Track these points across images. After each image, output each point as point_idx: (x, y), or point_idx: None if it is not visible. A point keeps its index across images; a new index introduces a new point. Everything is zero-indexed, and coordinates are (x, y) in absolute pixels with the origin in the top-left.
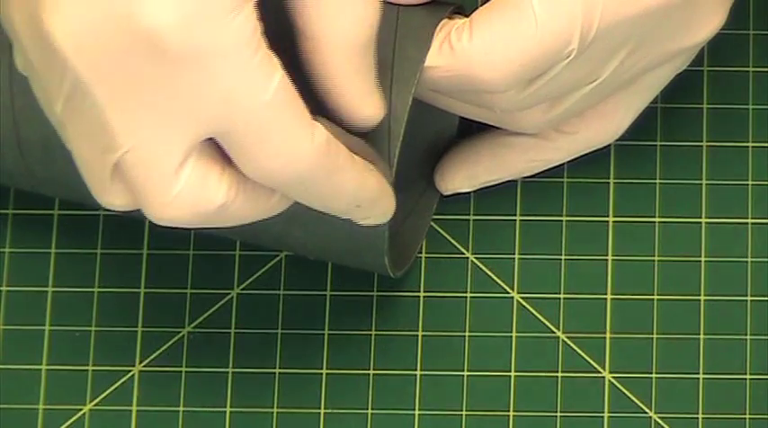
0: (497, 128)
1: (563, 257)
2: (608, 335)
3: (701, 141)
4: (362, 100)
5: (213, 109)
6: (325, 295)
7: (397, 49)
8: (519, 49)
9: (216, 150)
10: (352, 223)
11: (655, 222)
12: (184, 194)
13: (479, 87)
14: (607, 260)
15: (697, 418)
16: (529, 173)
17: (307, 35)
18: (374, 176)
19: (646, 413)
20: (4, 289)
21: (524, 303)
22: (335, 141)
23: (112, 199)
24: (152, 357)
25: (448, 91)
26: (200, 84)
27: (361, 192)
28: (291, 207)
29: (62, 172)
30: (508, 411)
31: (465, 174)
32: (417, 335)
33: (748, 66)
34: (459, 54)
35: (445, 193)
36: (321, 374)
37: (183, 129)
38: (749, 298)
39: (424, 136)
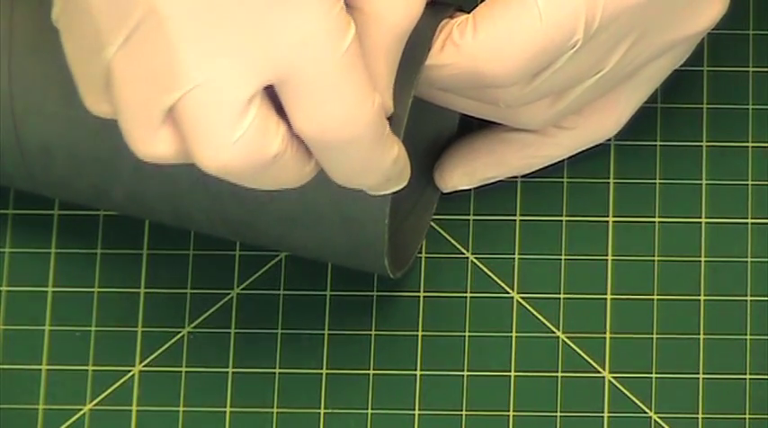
0: (497, 124)
1: (563, 257)
2: (608, 335)
3: (701, 141)
4: (391, 84)
5: (289, 52)
6: (325, 295)
7: None
8: (524, 42)
9: (270, 101)
10: (352, 223)
11: (655, 222)
12: (246, 138)
13: (486, 83)
14: (607, 260)
15: (697, 418)
16: (528, 170)
17: (358, 7)
18: (403, 149)
19: (646, 413)
20: (4, 289)
21: (524, 303)
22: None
23: (156, 147)
24: (152, 357)
25: (453, 88)
26: (282, 25)
27: (395, 165)
28: (292, 208)
29: (62, 175)
30: (508, 411)
31: (463, 171)
32: (417, 335)
33: (748, 66)
34: (463, 51)
35: (444, 190)
36: (321, 374)
37: (255, 68)
38: (749, 298)
39: (424, 135)
